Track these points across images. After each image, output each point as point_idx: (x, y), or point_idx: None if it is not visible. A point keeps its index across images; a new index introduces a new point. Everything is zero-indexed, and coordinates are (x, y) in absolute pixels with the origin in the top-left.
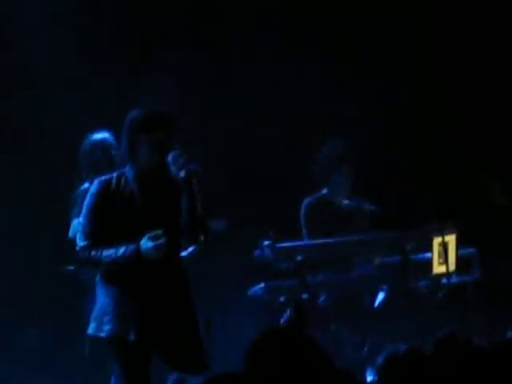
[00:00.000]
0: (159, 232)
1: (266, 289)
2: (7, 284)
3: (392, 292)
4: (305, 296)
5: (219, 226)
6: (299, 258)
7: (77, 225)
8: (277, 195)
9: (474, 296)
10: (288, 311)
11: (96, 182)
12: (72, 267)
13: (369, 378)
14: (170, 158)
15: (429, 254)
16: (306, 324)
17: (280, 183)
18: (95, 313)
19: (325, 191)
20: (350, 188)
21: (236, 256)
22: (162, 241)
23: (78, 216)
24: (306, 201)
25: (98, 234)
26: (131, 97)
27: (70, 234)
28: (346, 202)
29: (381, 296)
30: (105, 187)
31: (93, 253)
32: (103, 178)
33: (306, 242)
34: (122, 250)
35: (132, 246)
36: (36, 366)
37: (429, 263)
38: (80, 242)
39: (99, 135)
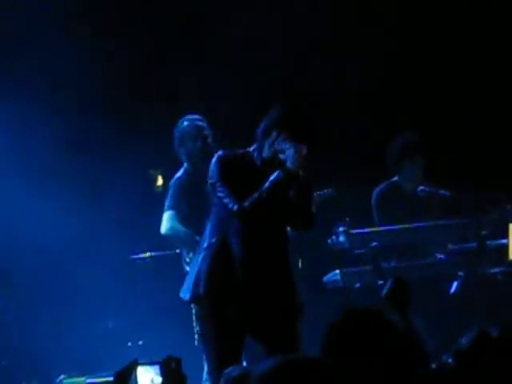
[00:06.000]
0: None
1: (341, 275)
2: None
3: (467, 278)
4: (380, 282)
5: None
6: (374, 244)
7: (167, 219)
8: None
9: None
10: (389, 282)
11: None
12: None
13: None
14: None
15: (504, 240)
16: (407, 298)
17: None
18: None
19: (396, 179)
20: (421, 176)
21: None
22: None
23: (167, 209)
24: (378, 189)
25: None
26: None
27: (162, 229)
28: (420, 188)
29: (456, 282)
30: (229, 159)
31: (247, 202)
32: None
33: (380, 228)
34: (267, 182)
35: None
36: None
37: (504, 249)
38: (234, 206)
39: (191, 121)
